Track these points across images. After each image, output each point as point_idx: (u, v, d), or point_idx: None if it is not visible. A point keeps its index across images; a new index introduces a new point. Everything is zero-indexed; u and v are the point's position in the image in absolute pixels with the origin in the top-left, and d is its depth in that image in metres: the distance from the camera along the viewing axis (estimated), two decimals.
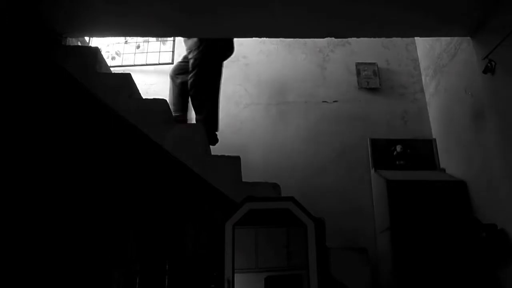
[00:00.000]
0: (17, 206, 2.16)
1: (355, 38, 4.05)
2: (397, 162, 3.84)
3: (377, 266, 3.25)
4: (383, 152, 3.88)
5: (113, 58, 4.45)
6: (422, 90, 4.26)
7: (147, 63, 4.47)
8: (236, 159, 2.98)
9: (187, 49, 3.60)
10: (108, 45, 4.49)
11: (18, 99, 2.41)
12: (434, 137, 3.99)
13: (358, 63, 4.38)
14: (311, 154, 3.95)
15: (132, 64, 4.45)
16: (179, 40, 4.55)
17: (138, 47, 4.51)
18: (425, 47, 4.27)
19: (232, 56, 4.47)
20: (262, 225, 2.51)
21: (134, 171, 2.68)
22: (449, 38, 3.61)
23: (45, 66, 2.66)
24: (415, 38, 4.42)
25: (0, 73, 2.30)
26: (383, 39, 4.34)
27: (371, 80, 4.30)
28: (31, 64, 2.60)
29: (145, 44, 4.53)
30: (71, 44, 3.35)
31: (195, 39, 3.46)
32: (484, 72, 2.95)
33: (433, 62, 4.03)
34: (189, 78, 3.42)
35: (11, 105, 2.33)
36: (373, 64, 4.36)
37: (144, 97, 3.46)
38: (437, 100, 3.96)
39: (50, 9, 2.84)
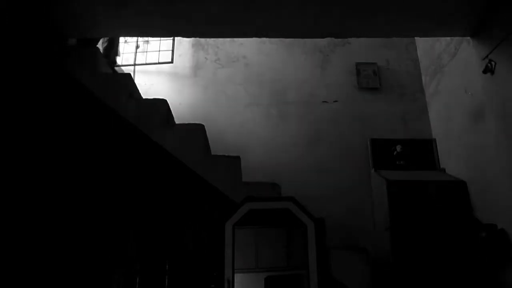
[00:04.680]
0: (20, 206, 2.16)
1: (355, 38, 4.06)
2: (397, 162, 3.84)
3: (377, 266, 3.25)
4: (383, 152, 3.88)
5: None
6: (422, 90, 4.26)
7: (147, 62, 4.47)
8: (236, 159, 2.99)
9: None
10: None
11: (19, 99, 2.41)
12: (434, 137, 3.99)
13: (358, 63, 4.38)
14: (311, 154, 3.95)
15: (132, 64, 4.45)
16: (179, 40, 4.55)
17: (138, 47, 4.51)
18: (425, 47, 4.27)
19: (232, 56, 4.49)
20: (262, 225, 2.51)
21: (134, 171, 2.68)
22: (449, 38, 3.61)
23: (46, 66, 2.66)
24: (415, 38, 4.41)
25: (2, 73, 2.30)
26: (383, 39, 4.34)
27: (371, 80, 4.29)
28: (32, 64, 2.59)
29: (145, 44, 4.52)
30: (71, 44, 3.35)
31: None
32: (484, 72, 2.95)
33: (433, 62, 4.03)
34: None
35: (11, 104, 2.33)
36: (373, 64, 4.36)
37: (144, 97, 3.46)
38: (437, 100, 3.96)
39: (53, 10, 2.84)
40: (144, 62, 4.46)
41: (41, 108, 2.53)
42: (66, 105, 2.66)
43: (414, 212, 3.20)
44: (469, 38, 3.26)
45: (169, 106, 3.18)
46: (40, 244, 2.19)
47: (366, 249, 3.16)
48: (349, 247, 3.38)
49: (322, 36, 3.44)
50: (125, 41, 4.55)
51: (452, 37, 3.56)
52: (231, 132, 4.04)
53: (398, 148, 3.87)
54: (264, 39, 4.28)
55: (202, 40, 4.52)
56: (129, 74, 3.18)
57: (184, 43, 4.56)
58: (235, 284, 2.31)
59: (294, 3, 2.81)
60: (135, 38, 4.48)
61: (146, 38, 4.48)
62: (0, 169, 2.14)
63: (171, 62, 4.44)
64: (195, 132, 3.06)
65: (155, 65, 4.44)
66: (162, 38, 4.47)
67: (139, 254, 2.47)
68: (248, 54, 4.48)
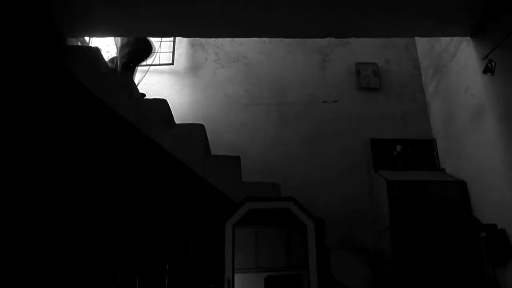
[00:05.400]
0: (19, 206, 2.16)
1: (355, 38, 4.06)
2: (397, 162, 3.84)
3: (377, 266, 3.25)
4: (383, 152, 3.88)
5: None
6: (422, 90, 4.26)
7: (147, 64, 4.46)
8: (236, 159, 2.98)
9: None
10: (108, 45, 4.49)
11: (19, 99, 2.41)
12: (434, 137, 3.99)
13: (358, 63, 4.37)
14: (311, 154, 3.95)
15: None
16: (179, 40, 4.55)
17: None
18: (425, 47, 4.27)
19: (232, 56, 4.49)
20: (262, 225, 2.51)
21: (134, 171, 2.68)
22: (449, 38, 3.61)
23: (45, 66, 2.66)
24: (415, 38, 4.41)
25: (2, 73, 2.30)
26: (383, 39, 4.34)
27: (371, 80, 4.29)
28: (32, 64, 2.59)
29: None
30: (71, 44, 3.35)
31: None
32: (484, 72, 2.95)
33: (433, 62, 4.03)
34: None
35: (12, 104, 2.33)
36: (373, 64, 4.36)
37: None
38: (437, 100, 3.96)
39: (53, 10, 2.84)
40: (144, 63, 4.46)
41: (41, 108, 2.53)
42: (66, 105, 2.66)
43: (414, 212, 3.20)
44: (469, 38, 3.26)
45: (169, 106, 3.18)
46: (41, 244, 2.19)
47: (366, 249, 3.16)
48: (349, 247, 3.38)
49: (322, 36, 3.44)
50: None
51: (452, 37, 3.56)
52: (231, 132, 4.04)
53: (398, 148, 3.87)
54: (264, 39, 4.28)
55: (202, 40, 4.52)
56: (129, 74, 3.18)
57: (184, 43, 4.56)
58: (235, 284, 2.31)
59: (295, 3, 2.81)
60: None
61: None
62: (1, 169, 2.14)
63: (172, 64, 4.44)
64: (195, 132, 3.05)
65: (155, 66, 4.44)
66: (162, 39, 4.47)
67: (139, 254, 2.47)
68: (248, 54, 4.48)
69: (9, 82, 2.34)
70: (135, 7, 2.85)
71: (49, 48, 2.97)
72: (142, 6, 2.84)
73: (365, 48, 4.44)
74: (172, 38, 4.51)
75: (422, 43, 4.35)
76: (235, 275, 2.32)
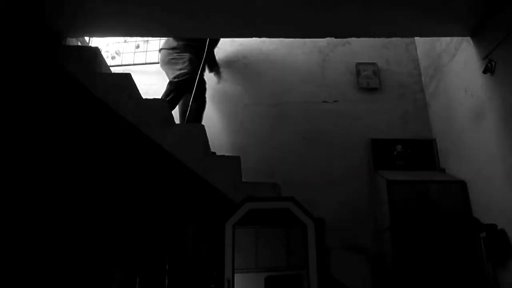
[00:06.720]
0: (19, 206, 2.16)
1: (355, 38, 4.05)
2: (397, 162, 3.83)
3: (377, 266, 3.25)
4: (383, 152, 3.88)
5: (113, 58, 4.45)
6: (422, 90, 4.25)
7: (146, 62, 4.46)
8: (236, 159, 2.98)
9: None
10: (108, 45, 4.49)
11: (19, 99, 2.41)
12: (434, 137, 3.99)
13: (358, 63, 4.37)
14: (311, 154, 3.95)
15: (132, 63, 4.45)
16: None
17: (137, 46, 4.51)
18: (425, 47, 4.27)
19: (232, 56, 4.48)
20: (262, 225, 2.51)
21: (134, 171, 2.68)
22: (449, 38, 3.61)
23: (45, 66, 2.66)
24: (415, 38, 4.41)
25: (1, 73, 2.30)
26: (383, 39, 4.33)
27: (371, 80, 4.29)
28: (32, 64, 2.59)
29: (145, 43, 4.52)
30: (71, 44, 3.35)
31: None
32: (484, 72, 2.95)
33: (433, 62, 4.03)
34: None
35: (11, 105, 2.33)
36: (373, 64, 4.36)
37: (144, 97, 3.46)
38: (437, 100, 3.96)
39: (51, 9, 2.84)
40: (144, 62, 4.46)
41: (41, 108, 2.53)
42: (66, 105, 2.66)
43: (414, 212, 3.20)
44: (469, 38, 3.26)
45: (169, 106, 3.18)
46: (41, 244, 2.19)
47: (366, 249, 3.16)
48: (349, 247, 3.38)
49: (322, 36, 3.44)
50: (125, 41, 4.55)
51: (452, 37, 3.56)
52: (231, 132, 4.04)
53: (398, 148, 3.87)
54: (264, 39, 4.27)
55: None
56: (129, 74, 3.17)
57: None
58: (235, 284, 2.30)
59: (294, 3, 2.81)
60: (134, 38, 4.47)
61: (146, 38, 4.48)
62: (1, 169, 2.14)
63: None
64: (195, 132, 3.06)
65: (155, 65, 4.43)
66: (162, 38, 4.47)
67: (139, 254, 2.47)
68: (248, 54, 4.48)
69: (7, 82, 2.34)
70: (134, 5, 2.85)
71: (48, 48, 2.96)
72: (141, 7, 2.84)
73: (365, 48, 4.44)
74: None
75: (422, 43, 4.35)
76: (235, 275, 2.32)
